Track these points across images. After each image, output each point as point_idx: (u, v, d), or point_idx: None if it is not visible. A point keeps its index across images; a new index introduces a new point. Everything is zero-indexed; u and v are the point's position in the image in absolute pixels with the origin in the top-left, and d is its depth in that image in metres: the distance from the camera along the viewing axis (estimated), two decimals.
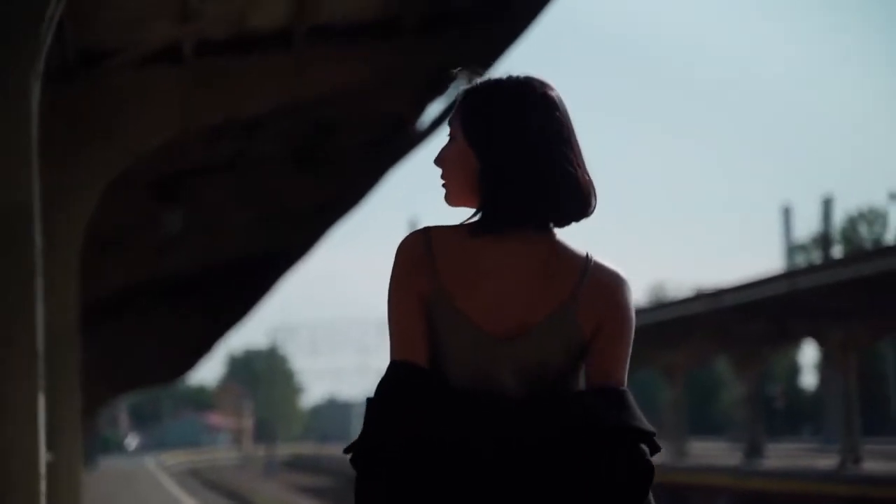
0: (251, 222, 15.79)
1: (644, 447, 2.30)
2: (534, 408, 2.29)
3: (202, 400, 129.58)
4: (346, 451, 2.33)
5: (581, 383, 2.39)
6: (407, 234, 2.41)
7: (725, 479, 25.31)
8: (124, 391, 57.08)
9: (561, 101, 2.43)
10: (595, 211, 2.42)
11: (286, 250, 18.67)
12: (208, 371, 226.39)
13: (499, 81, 2.43)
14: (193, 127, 9.17)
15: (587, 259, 2.38)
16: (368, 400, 2.34)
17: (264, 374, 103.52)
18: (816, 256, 63.14)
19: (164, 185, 12.70)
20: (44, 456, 5.19)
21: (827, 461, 26.94)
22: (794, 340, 32.24)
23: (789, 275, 24.49)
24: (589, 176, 2.41)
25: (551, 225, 2.40)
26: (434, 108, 11.94)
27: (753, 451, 28.69)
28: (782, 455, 31.48)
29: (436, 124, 12.05)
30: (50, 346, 8.81)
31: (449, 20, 10.33)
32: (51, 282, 9.04)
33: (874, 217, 65.04)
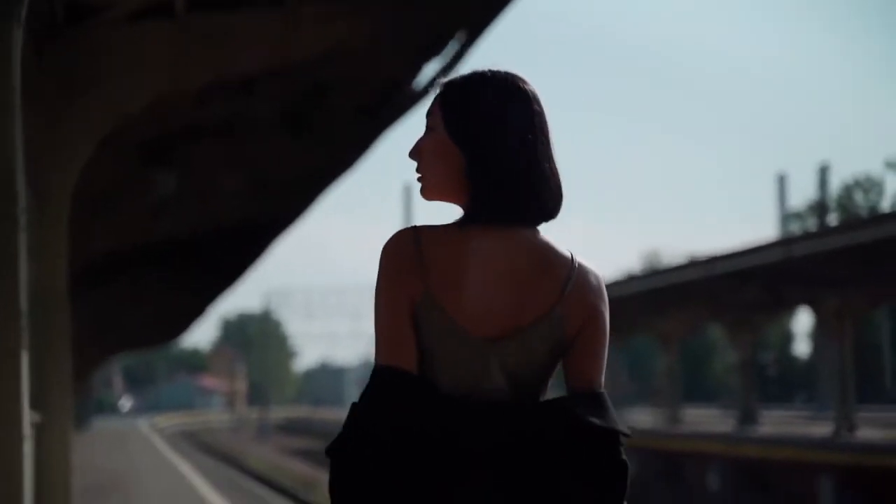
0: (243, 187, 15.63)
1: (620, 447, 2.35)
2: (519, 412, 2.31)
3: (196, 363, 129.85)
4: (329, 451, 2.32)
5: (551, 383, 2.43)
6: (394, 232, 2.39)
7: (719, 445, 25.29)
8: (118, 353, 57.13)
9: (538, 97, 2.44)
10: (558, 212, 2.44)
11: (278, 215, 18.51)
12: (202, 334, 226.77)
13: (482, 75, 2.41)
14: (184, 85, 8.99)
15: (572, 259, 2.40)
16: (353, 404, 2.31)
17: (258, 337, 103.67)
18: (812, 224, 63.17)
19: (155, 147, 12.54)
20: (28, 416, 5.08)
21: (821, 429, 26.90)
22: (789, 308, 32.15)
23: (784, 242, 24.40)
24: (558, 177, 2.43)
25: (539, 223, 2.41)
26: (429, 70, 11.77)
27: (747, 417, 28.69)
28: (776, 422, 31.46)
29: (431, 86, 11.88)
30: (38, 306, 8.72)
31: None
32: (40, 241, 8.96)
33: (870, 185, 65.09)
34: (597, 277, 2.43)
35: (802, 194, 64.25)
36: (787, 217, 57.65)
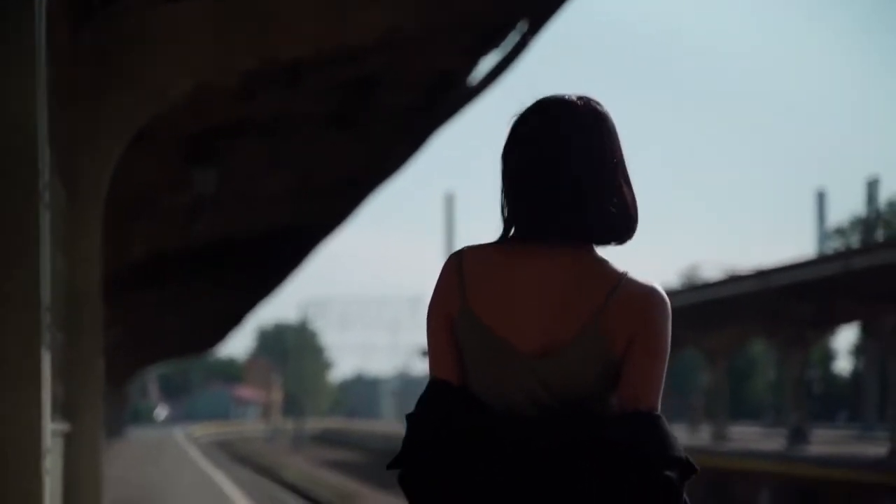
0: (286, 187, 15.00)
1: (670, 474, 2.27)
2: (556, 430, 2.31)
3: (231, 372, 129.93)
4: (390, 466, 2.43)
5: (612, 397, 2.39)
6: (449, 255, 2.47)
7: (771, 464, 24.44)
8: (154, 362, 56.92)
9: (601, 119, 2.42)
10: (632, 236, 2.43)
11: (322, 219, 17.85)
12: (238, 344, 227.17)
13: (544, 99, 2.46)
14: (228, 71, 8.35)
15: (621, 275, 2.37)
16: (408, 416, 2.42)
17: (294, 348, 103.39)
18: (855, 241, 62.29)
19: (195, 143, 11.92)
20: (49, 426, 4.42)
21: (874, 448, 26.21)
22: (843, 324, 31.20)
23: (843, 255, 23.55)
24: (626, 199, 2.41)
25: (590, 243, 2.40)
26: (487, 63, 11.09)
27: (798, 436, 27.84)
28: (824, 441, 30.69)
29: (488, 80, 11.18)
30: (69, 305, 8.12)
31: None
32: (72, 238, 8.36)
33: None
34: (650, 291, 2.37)
35: (841, 211, 63.45)
36: (828, 233, 56.66)
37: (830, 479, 21.80)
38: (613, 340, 2.34)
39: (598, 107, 2.44)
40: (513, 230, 2.42)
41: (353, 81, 11.05)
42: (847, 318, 28.48)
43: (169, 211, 14.16)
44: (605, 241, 2.41)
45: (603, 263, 2.40)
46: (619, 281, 2.37)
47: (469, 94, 11.50)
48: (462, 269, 2.41)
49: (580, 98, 2.45)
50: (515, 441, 2.30)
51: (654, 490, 2.25)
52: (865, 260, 21.66)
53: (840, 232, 66.80)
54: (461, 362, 2.40)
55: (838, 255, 24.16)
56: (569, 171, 2.37)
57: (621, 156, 2.42)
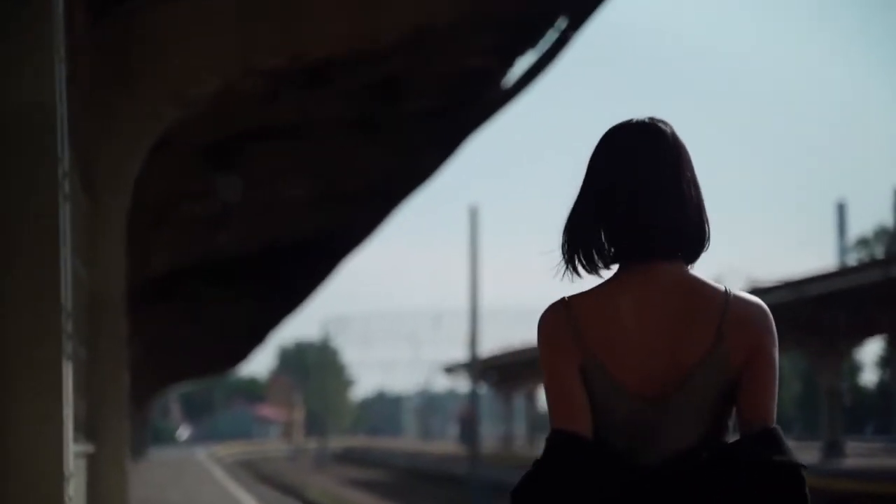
0: (310, 198, 14.58)
1: (803, 482, 2.32)
2: (696, 463, 2.33)
3: (253, 391, 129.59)
4: (513, 495, 2.38)
5: (731, 417, 2.43)
6: (547, 307, 2.46)
7: (811, 479, 23.79)
8: (176, 381, 56.62)
9: (666, 136, 2.48)
10: (704, 249, 2.47)
11: (348, 231, 17.42)
12: (259, 363, 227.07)
13: (630, 123, 2.51)
14: (254, 70, 7.92)
15: (726, 293, 2.41)
16: (535, 463, 2.39)
17: (315, 366, 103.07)
18: (879, 251, 61.65)
19: (219, 149, 11.53)
20: (71, 447, 3.96)
21: None
22: (876, 334, 30.61)
23: (884, 262, 22.97)
24: (706, 216, 2.48)
25: (680, 263, 2.45)
26: (523, 63, 10.62)
27: (834, 449, 27.23)
28: (858, 454, 30.09)
29: (524, 82, 10.72)
30: (91, 315, 7.70)
31: None
32: (94, 245, 7.96)
33: None
34: (757, 308, 2.42)
35: (861, 223, 63.26)
36: (852, 244, 56.02)
37: (874, 493, 21.20)
38: (732, 361, 2.38)
39: (675, 129, 2.52)
40: (605, 257, 2.45)
41: (381, 83, 10.63)
42: (880, 329, 27.88)
43: (191, 221, 13.78)
44: (691, 260, 2.47)
45: (704, 283, 2.44)
46: (728, 299, 2.41)
47: (503, 96, 11.04)
48: (576, 318, 2.42)
49: (657, 120, 2.52)
50: (658, 486, 2.33)
51: (800, 498, 2.32)
52: None
53: (864, 242, 66.32)
54: (589, 413, 2.40)
55: (872, 264, 23.62)
56: (668, 189, 2.43)
57: (696, 175, 2.50)
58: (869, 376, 71.45)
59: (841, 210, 54.00)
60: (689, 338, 2.38)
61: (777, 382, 2.41)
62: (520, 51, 10.27)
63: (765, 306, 2.44)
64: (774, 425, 2.38)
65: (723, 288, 2.43)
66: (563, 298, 2.45)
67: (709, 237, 2.48)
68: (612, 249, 2.44)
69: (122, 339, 7.87)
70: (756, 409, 2.38)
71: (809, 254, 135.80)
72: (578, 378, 2.40)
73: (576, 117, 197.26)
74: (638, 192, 2.42)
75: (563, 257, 2.49)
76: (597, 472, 2.33)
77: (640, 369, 2.38)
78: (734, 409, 2.42)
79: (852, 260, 51.46)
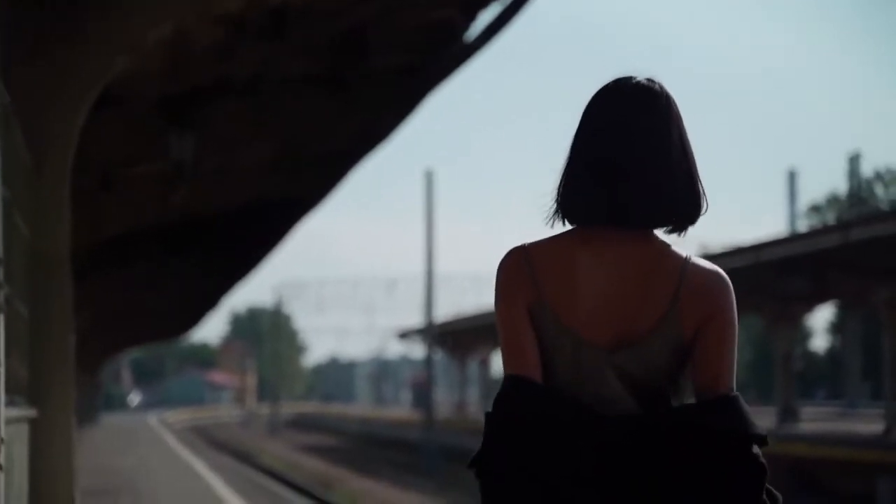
0: (267, 157, 14.16)
1: (756, 449, 2.31)
2: (644, 420, 2.32)
3: (205, 357, 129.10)
4: (470, 465, 2.40)
5: (687, 385, 2.41)
6: (506, 252, 2.45)
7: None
8: (127, 346, 56.03)
9: (674, 103, 2.45)
10: (698, 216, 2.43)
11: (303, 193, 16.99)
12: (211, 328, 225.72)
13: (620, 83, 2.47)
14: (209, 12, 7.50)
15: (685, 260, 2.40)
16: (487, 414, 2.39)
17: (268, 332, 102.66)
18: (831, 217, 62.07)
19: (171, 105, 11.08)
20: (2, 413, 3.60)
21: (864, 426, 25.83)
22: (831, 298, 30.63)
23: (841, 227, 22.90)
24: (698, 184, 2.44)
25: (650, 228, 2.42)
26: (485, 17, 10.28)
27: (789, 414, 27.28)
28: (812, 419, 30.25)
29: (487, 36, 10.38)
30: (34, 278, 7.31)
31: None
32: (36, 203, 7.55)
33: (891, 178, 64.76)
34: (715, 275, 2.40)
35: (808, 191, 63.74)
36: (804, 211, 56.20)
37: (832, 458, 21.22)
38: (686, 326, 2.37)
39: (668, 90, 2.46)
40: (579, 216, 2.42)
41: (341, 36, 10.23)
42: (836, 294, 27.90)
43: (143, 181, 13.32)
44: (681, 228, 2.43)
45: (667, 248, 2.42)
46: (686, 266, 2.39)
47: (466, 51, 10.68)
48: (532, 263, 2.41)
49: (654, 81, 2.46)
50: (605, 439, 2.30)
51: (749, 468, 2.30)
52: (859, 233, 21.05)
53: (816, 209, 66.85)
54: (540, 357, 2.39)
55: (829, 229, 23.56)
56: (655, 157, 2.39)
57: (688, 139, 2.45)
58: (819, 342, 72.27)
59: (792, 178, 54.16)
60: (645, 301, 2.38)
61: (735, 350, 2.40)
62: (481, 4, 9.92)
63: (723, 274, 2.42)
64: (733, 393, 2.36)
65: (683, 255, 2.41)
66: (522, 245, 2.44)
67: (702, 204, 2.44)
68: (592, 211, 2.41)
69: (67, 299, 7.46)
70: (709, 375, 2.37)
71: (761, 221, 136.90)
72: (529, 323, 2.39)
73: (537, 82, 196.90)
74: (625, 164, 2.38)
75: (552, 208, 2.47)
76: (547, 416, 2.31)
77: (593, 320, 2.37)
78: (689, 376, 2.41)
79: (804, 227, 51.63)
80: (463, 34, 10.54)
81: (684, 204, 2.41)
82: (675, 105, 2.46)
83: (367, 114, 12.33)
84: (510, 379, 2.37)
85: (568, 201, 2.43)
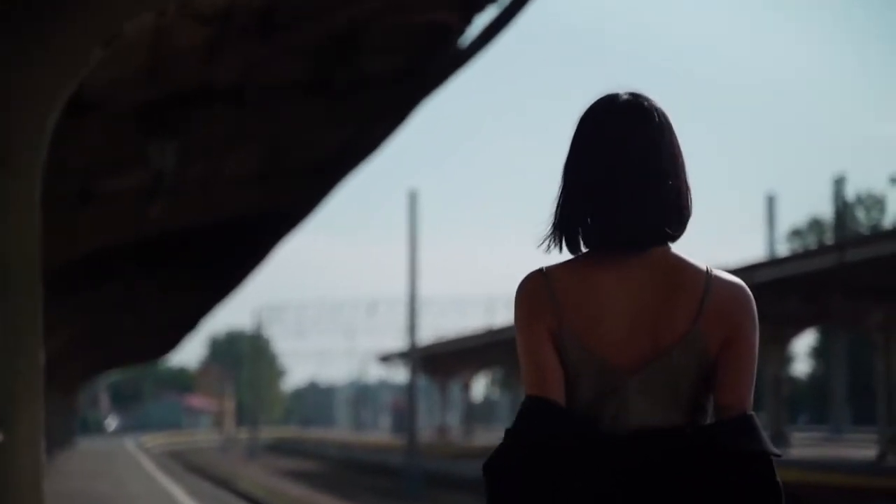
0: (251, 169, 13.63)
1: (772, 470, 2.33)
2: (664, 439, 2.31)
3: (183, 381, 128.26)
4: (485, 468, 2.38)
5: (710, 403, 2.40)
6: (525, 275, 2.44)
7: None
8: (104, 370, 55.36)
9: (666, 117, 2.44)
10: (685, 228, 2.42)
11: (287, 207, 16.45)
12: (189, 352, 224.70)
13: (611, 99, 2.45)
14: (189, 6, 6.96)
15: (707, 274, 2.38)
16: (507, 431, 2.39)
17: (247, 356, 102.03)
18: (812, 241, 61.96)
19: (151, 113, 10.54)
20: None
21: (854, 451, 25.52)
22: (824, 321, 30.25)
23: (837, 247, 22.52)
24: (688, 195, 2.43)
25: (664, 242, 2.41)
26: (482, 19, 9.79)
27: (780, 439, 26.81)
28: (803, 444, 29.91)
29: (483, 40, 9.88)
30: (3, 285, 6.76)
31: None
32: (4, 208, 7.02)
33: (872, 202, 65.09)
34: (740, 290, 2.38)
35: (787, 216, 64.17)
36: (784, 236, 56.02)
37: (828, 484, 20.77)
38: (710, 342, 2.35)
39: (658, 104, 2.45)
40: (590, 239, 2.41)
41: (330, 40, 9.72)
42: (828, 315, 27.52)
43: (121, 195, 12.76)
44: (675, 239, 2.42)
45: (685, 260, 2.40)
46: (709, 281, 2.36)
47: (461, 55, 10.18)
48: (551, 287, 2.39)
49: (642, 97, 2.45)
50: (625, 464, 2.30)
51: (773, 489, 2.31)
52: (855, 254, 20.70)
53: (797, 233, 66.87)
54: (562, 380, 2.38)
55: (832, 247, 23.18)
56: (656, 173, 2.38)
57: (680, 151, 2.44)
58: (800, 366, 72.25)
59: (770, 202, 54.11)
60: (669, 317, 2.35)
61: (755, 367, 2.38)
62: (480, 4, 9.42)
63: (746, 288, 2.40)
64: (751, 412, 2.36)
65: (704, 268, 2.39)
66: (541, 268, 2.43)
67: (689, 216, 2.43)
68: (595, 235, 2.39)
69: (37, 312, 6.87)
70: (732, 394, 2.35)
71: (739, 245, 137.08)
72: (552, 346, 2.38)
73: (522, 99, 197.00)
74: (621, 182, 2.36)
75: (550, 233, 2.44)
76: (568, 438, 2.31)
77: (615, 341, 2.36)
78: (710, 393, 2.38)
79: (784, 251, 51.42)
80: (458, 38, 10.05)
81: (678, 218, 2.41)
82: (666, 118, 2.44)
83: (356, 121, 11.82)
84: (531, 399, 2.37)
85: (568, 227, 2.42)
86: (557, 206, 2.44)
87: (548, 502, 2.30)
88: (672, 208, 2.40)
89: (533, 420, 2.35)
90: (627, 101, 2.43)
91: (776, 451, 2.33)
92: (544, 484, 2.30)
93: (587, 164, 2.40)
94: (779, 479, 2.33)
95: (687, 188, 2.43)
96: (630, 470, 2.29)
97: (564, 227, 2.42)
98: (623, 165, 2.37)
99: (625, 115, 2.41)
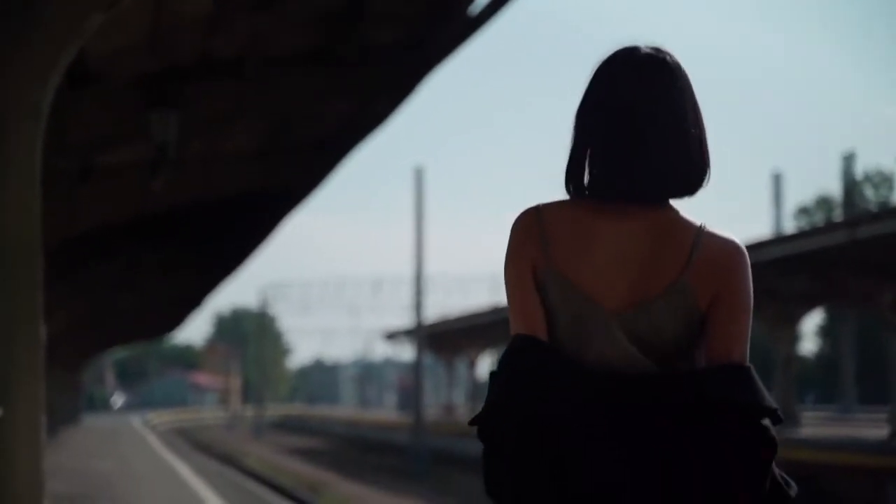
0: (255, 142, 13.42)
1: (767, 422, 2.27)
2: (651, 384, 2.29)
3: (189, 359, 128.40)
4: (472, 423, 2.37)
5: (701, 359, 2.37)
6: (519, 213, 2.43)
7: None
8: (109, 346, 55.33)
9: (683, 72, 2.42)
10: (703, 185, 2.40)
11: (292, 182, 16.25)
12: (195, 330, 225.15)
13: (627, 52, 2.43)
14: None
15: (699, 229, 2.37)
16: (492, 373, 2.39)
17: (252, 333, 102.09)
18: (820, 219, 61.69)
19: (153, 85, 10.34)
20: None
21: (865, 431, 25.33)
22: (835, 299, 30.00)
23: (849, 223, 22.22)
24: (706, 151, 2.41)
25: (666, 198, 2.39)
26: None
27: (790, 419, 26.64)
28: (812, 424, 29.73)
29: (492, 9, 9.65)
30: (3, 258, 6.59)
31: None
32: (5, 181, 6.84)
33: (880, 179, 64.92)
34: (732, 246, 2.36)
35: (793, 195, 63.95)
36: (791, 214, 55.83)
37: (839, 463, 20.59)
38: (699, 295, 2.33)
39: (676, 59, 2.43)
40: (592, 187, 2.39)
41: (333, 9, 9.50)
42: (840, 294, 27.27)
43: (122, 169, 12.56)
44: (688, 195, 2.39)
45: (680, 216, 2.38)
46: (700, 235, 2.35)
47: (470, 25, 9.95)
48: (542, 224, 2.38)
49: (661, 50, 2.42)
50: (612, 399, 2.26)
51: (755, 440, 2.24)
52: (867, 230, 20.44)
53: (804, 210, 66.63)
54: (545, 317, 2.36)
55: (844, 224, 22.90)
56: (665, 128, 2.35)
57: (699, 109, 2.41)
58: (807, 346, 72.20)
59: (777, 180, 53.89)
60: (656, 266, 2.33)
61: (750, 323, 2.35)
62: None
63: (740, 244, 2.38)
64: (741, 362, 2.31)
65: (697, 223, 2.37)
66: (536, 206, 2.41)
67: (708, 173, 2.41)
68: (601, 185, 2.37)
69: (36, 289, 6.70)
70: (720, 345, 2.32)
71: (747, 223, 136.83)
72: (534, 282, 2.37)
73: (527, 79, 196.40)
74: (635, 141, 2.34)
75: (565, 181, 2.43)
76: (556, 372, 2.30)
77: (600, 283, 2.34)
78: (700, 348, 2.35)
79: (791, 229, 51.21)
80: (466, 7, 9.81)
81: (695, 175, 2.38)
82: (684, 75, 2.41)
83: (360, 95, 11.59)
84: (517, 338, 2.36)
85: (577, 180, 2.40)
86: (569, 161, 2.42)
87: (541, 436, 2.26)
88: (696, 157, 2.38)
89: (520, 358, 2.33)
90: (644, 55, 2.41)
91: (771, 404, 2.25)
92: (537, 418, 2.26)
93: (599, 119, 2.38)
94: (772, 432, 2.26)
95: (705, 146, 2.41)
96: (620, 405, 2.25)
97: (573, 174, 2.41)
98: (636, 122, 2.35)
99: (639, 71, 2.38)
